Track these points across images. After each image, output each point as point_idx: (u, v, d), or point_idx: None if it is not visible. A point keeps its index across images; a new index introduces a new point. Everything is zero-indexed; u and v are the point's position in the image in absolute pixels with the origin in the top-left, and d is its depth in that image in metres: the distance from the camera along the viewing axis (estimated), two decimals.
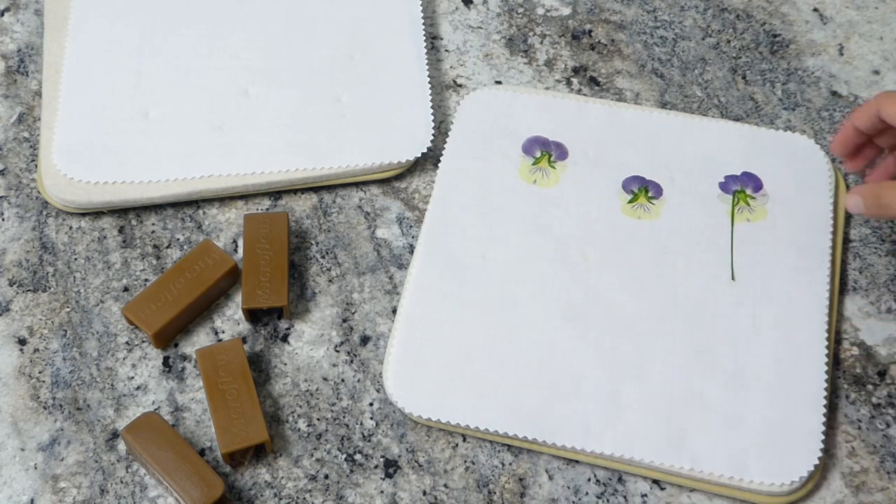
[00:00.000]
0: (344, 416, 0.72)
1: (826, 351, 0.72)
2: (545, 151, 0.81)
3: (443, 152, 0.81)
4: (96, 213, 0.80)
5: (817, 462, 0.68)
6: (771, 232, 0.77)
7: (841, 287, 0.77)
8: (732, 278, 0.75)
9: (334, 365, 0.74)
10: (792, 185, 0.78)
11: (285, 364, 0.74)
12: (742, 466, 0.68)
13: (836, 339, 0.74)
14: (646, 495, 0.69)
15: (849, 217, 0.80)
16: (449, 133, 0.82)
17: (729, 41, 0.89)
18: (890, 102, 0.70)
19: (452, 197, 0.79)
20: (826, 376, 0.71)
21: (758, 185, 0.79)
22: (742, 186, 0.79)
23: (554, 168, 0.80)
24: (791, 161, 0.80)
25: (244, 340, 0.75)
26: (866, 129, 0.73)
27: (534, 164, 0.80)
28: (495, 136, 0.81)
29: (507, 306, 0.74)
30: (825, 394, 0.70)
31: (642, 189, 0.79)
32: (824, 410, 0.69)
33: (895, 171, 0.75)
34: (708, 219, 0.77)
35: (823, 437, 0.68)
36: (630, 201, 0.78)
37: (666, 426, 0.69)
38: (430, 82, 0.84)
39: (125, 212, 0.80)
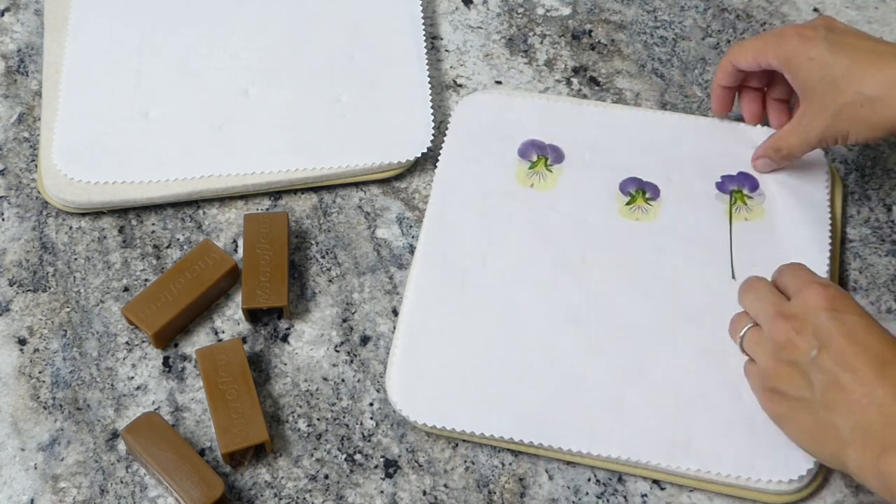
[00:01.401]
0: (344, 416, 0.72)
1: None
2: (541, 155, 0.81)
3: (439, 156, 0.81)
4: (96, 213, 0.80)
5: None
6: (769, 231, 0.77)
7: (841, 287, 0.77)
8: (733, 277, 0.75)
9: (334, 365, 0.74)
10: (788, 183, 0.78)
11: (285, 364, 0.74)
12: (749, 465, 0.68)
13: None
14: (646, 495, 0.69)
15: (849, 217, 0.80)
16: (445, 136, 0.82)
17: (729, 41, 0.89)
18: (740, 53, 0.77)
19: (450, 202, 0.78)
20: None
21: (754, 184, 0.79)
22: (739, 186, 0.79)
23: (551, 171, 0.80)
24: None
25: (244, 340, 0.75)
26: (731, 83, 0.80)
27: (530, 167, 0.80)
28: (492, 140, 0.81)
29: (508, 311, 0.74)
30: None
31: (639, 191, 0.79)
32: None
33: (760, 104, 0.82)
34: (706, 219, 0.77)
35: None
36: (628, 203, 0.78)
37: (671, 427, 0.69)
38: (430, 82, 0.84)
39: (125, 212, 0.80)
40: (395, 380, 0.72)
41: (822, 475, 0.69)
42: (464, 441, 0.71)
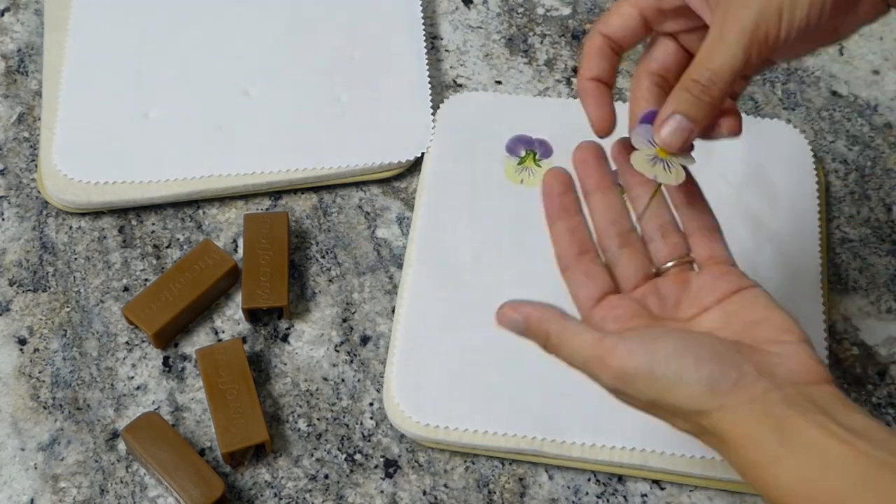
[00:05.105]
0: (344, 416, 0.72)
1: (826, 344, 0.71)
2: (529, 150, 0.80)
3: (423, 160, 0.80)
4: (96, 213, 0.80)
5: None
6: (760, 228, 0.76)
7: (841, 287, 0.77)
8: None
9: (334, 365, 0.74)
10: (774, 172, 0.78)
11: (285, 364, 0.74)
12: None
13: (835, 338, 0.74)
14: (646, 495, 0.69)
15: (849, 217, 0.79)
16: (430, 140, 0.81)
17: None
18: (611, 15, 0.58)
19: (440, 202, 0.78)
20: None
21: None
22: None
23: (540, 166, 0.80)
24: (773, 149, 0.79)
25: (244, 340, 0.75)
26: (604, 74, 0.58)
27: (519, 163, 0.80)
28: (478, 138, 0.81)
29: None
30: None
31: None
32: None
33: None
34: None
35: None
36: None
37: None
38: (430, 82, 0.84)
39: (125, 212, 0.80)
40: (394, 397, 0.71)
41: None
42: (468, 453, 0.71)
